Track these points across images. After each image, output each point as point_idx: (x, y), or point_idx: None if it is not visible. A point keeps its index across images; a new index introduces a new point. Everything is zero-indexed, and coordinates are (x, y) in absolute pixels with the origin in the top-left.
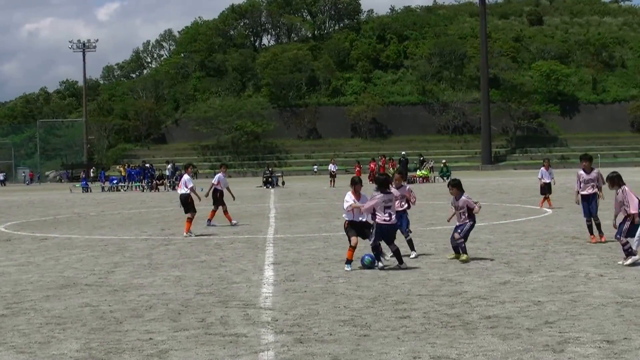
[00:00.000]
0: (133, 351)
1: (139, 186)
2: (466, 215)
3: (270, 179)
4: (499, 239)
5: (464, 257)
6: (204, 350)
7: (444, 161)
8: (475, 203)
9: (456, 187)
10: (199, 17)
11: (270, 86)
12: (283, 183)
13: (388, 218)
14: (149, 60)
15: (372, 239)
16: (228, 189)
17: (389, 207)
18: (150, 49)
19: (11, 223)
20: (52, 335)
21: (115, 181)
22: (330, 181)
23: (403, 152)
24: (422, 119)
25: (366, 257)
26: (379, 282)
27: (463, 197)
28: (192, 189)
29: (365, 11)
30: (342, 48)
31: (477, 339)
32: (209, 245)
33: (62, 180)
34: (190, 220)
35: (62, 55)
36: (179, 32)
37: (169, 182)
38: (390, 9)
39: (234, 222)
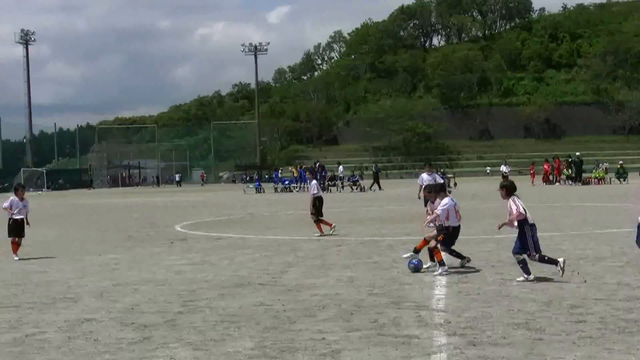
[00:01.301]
0: (306, 350)
1: None
2: None
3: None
4: None
5: None
6: (376, 351)
7: (620, 162)
8: None
9: None
10: (369, 19)
11: (440, 87)
12: (455, 184)
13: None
14: (320, 62)
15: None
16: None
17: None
18: (320, 51)
19: (186, 223)
20: (227, 333)
21: (287, 182)
22: None
23: (577, 153)
24: (597, 119)
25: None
26: (553, 286)
27: None
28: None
29: (536, 9)
30: (513, 47)
31: None
32: (381, 246)
33: (236, 182)
34: (319, 221)
35: (234, 58)
36: (348, 34)
37: (341, 183)
38: (562, 6)
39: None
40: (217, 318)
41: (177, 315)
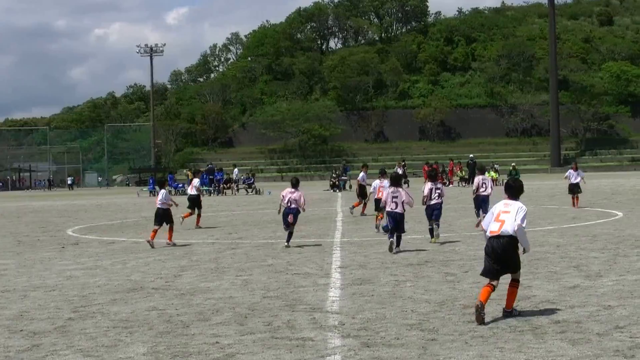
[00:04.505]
0: (200, 355)
1: (206, 190)
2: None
3: (337, 183)
4: (569, 242)
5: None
6: (270, 354)
7: (513, 164)
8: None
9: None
10: (266, 21)
11: (337, 89)
12: (350, 187)
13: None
14: (216, 64)
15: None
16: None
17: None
18: (217, 52)
19: (79, 227)
20: (119, 338)
21: (180, 186)
22: None
23: (471, 155)
24: (491, 122)
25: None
26: (446, 286)
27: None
28: (198, 189)
29: (432, 13)
30: (410, 51)
31: (546, 343)
32: (276, 249)
33: (130, 185)
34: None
35: (130, 59)
36: (246, 36)
37: (236, 186)
38: (457, 10)
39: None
40: (109, 324)
41: (68, 322)
